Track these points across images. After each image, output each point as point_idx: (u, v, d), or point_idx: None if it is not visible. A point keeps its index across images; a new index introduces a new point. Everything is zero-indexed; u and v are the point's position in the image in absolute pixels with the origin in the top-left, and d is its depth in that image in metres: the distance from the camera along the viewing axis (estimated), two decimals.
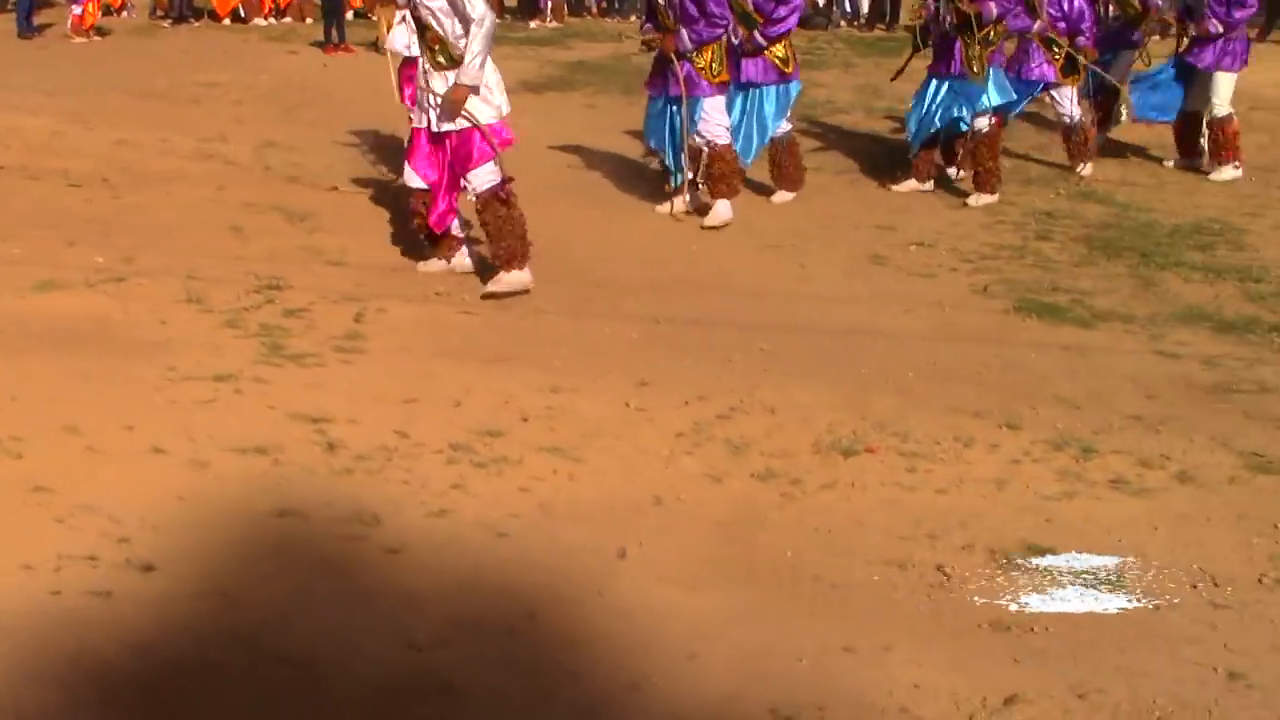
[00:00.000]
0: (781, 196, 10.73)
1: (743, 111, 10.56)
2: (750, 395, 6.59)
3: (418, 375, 6.72)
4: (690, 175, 10.13)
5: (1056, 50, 11.96)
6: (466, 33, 7.90)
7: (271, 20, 21.51)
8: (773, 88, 10.53)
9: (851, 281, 8.79)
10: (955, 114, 10.94)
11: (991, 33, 10.77)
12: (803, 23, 23.04)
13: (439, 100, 8.05)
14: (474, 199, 8.20)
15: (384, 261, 8.78)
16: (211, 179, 10.67)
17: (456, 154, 8.15)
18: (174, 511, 5.11)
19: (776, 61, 10.50)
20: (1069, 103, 12.08)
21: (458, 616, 4.50)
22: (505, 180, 8.14)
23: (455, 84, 7.93)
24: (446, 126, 8.09)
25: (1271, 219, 10.79)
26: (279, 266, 8.47)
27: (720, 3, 9.73)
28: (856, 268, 9.08)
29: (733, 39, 10.31)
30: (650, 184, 10.82)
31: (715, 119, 9.96)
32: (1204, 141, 12.39)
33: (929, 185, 11.33)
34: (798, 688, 4.21)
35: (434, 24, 8.02)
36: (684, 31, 9.71)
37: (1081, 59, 11.85)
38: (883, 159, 12.39)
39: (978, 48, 10.70)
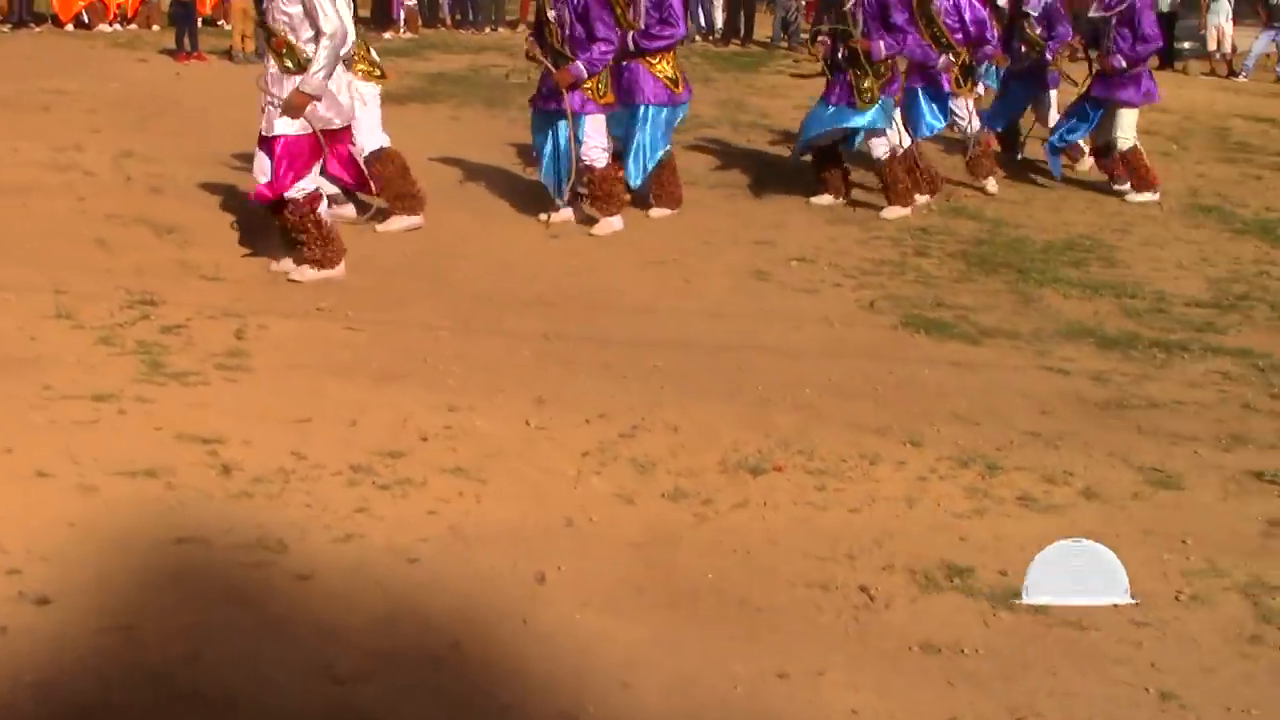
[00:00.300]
0: (659, 213, 10.66)
1: (634, 130, 10.47)
2: (651, 413, 6.48)
3: (308, 393, 6.51)
4: (573, 189, 10.10)
5: (954, 58, 12.10)
6: (316, 41, 8.01)
7: (117, 26, 20.95)
8: (663, 108, 10.47)
9: (737, 297, 8.72)
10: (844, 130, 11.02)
11: (883, 67, 10.74)
12: None
13: (279, 103, 8.15)
14: (289, 202, 8.31)
15: (260, 276, 8.53)
16: (70, 190, 10.30)
17: (282, 158, 8.23)
18: (65, 540, 4.86)
19: (666, 81, 10.44)
20: (965, 114, 12.29)
21: (378, 647, 4.32)
22: (316, 194, 8.42)
23: (297, 89, 8.04)
24: (282, 129, 8.16)
25: (1138, 235, 10.99)
26: (150, 281, 8.20)
27: (609, 25, 9.69)
28: (741, 283, 9.02)
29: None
30: (527, 195, 10.70)
31: (595, 140, 9.91)
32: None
33: (842, 199, 11.40)
34: (735, 716, 4.11)
35: (284, 28, 8.07)
36: (579, 64, 9.66)
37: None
38: (754, 173, 12.40)
39: (870, 79, 10.69)
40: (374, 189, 9.41)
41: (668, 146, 10.70)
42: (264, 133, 8.29)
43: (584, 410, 6.48)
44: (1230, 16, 25.48)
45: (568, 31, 9.73)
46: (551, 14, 9.81)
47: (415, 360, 7.15)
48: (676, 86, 10.53)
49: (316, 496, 5.38)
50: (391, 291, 8.39)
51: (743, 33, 24.26)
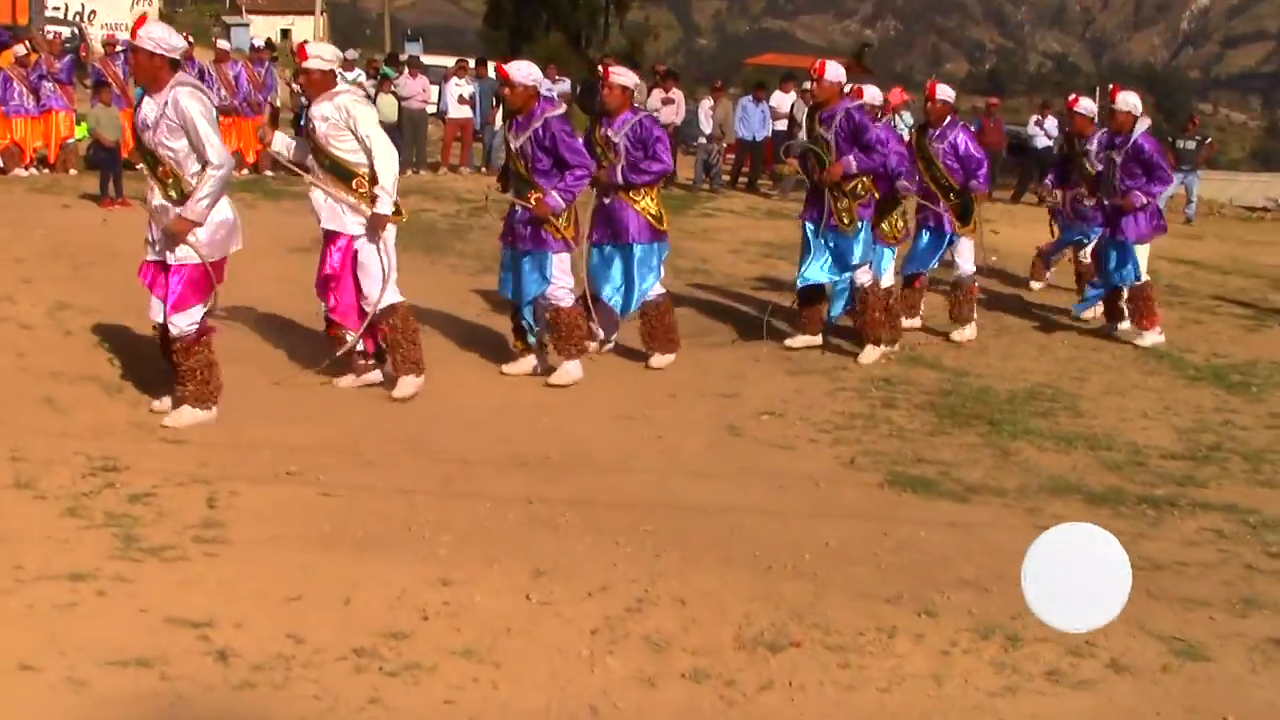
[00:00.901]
0: (660, 360, 10.55)
1: (623, 269, 10.39)
2: (654, 585, 6.23)
3: (295, 568, 6.20)
4: (537, 336, 10.02)
5: (954, 199, 12.25)
6: (203, 172, 8.04)
7: (33, 171, 20.54)
8: (650, 245, 10.41)
9: (715, 454, 8.54)
10: (836, 270, 11.11)
11: (859, 186, 10.86)
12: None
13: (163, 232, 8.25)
14: (175, 339, 8.30)
15: (222, 437, 8.20)
16: (9, 345, 9.95)
17: (171, 289, 8.28)
18: None
19: (650, 219, 10.35)
20: (965, 258, 12.40)
21: None
22: (208, 328, 8.42)
23: (178, 216, 8.08)
24: (169, 258, 8.27)
25: (1097, 384, 10.97)
26: (109, 444, 7.89)
27: (576, 149, 9.58)
28: (715, 439, 8.85)
29: (604, 199, 10.44)
30: (484, 345, 10.50)
31: (562, 280, 9.76)
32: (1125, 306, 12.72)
33: (819, 339, 11.46)
34: None
35: (170, 158, 8.07)
36: (554, 194, 9.53)
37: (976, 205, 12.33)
38: (703, 321, 12.33)
39: (845, 200, 10.82)
40: (377, 344, 9.42)
41: (661, 290, 10.57)
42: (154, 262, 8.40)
43: (585, 582, 6.22)
44: None
45: (530, 164, 9.64)
46: (514, 144, 9.72)
47: (399, 528, 6.88)
48: (660, 223, 10.43)
49: (324, 686, 5.08)
50: (361, 452, 8.12)
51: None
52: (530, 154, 9.62)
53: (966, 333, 12.34)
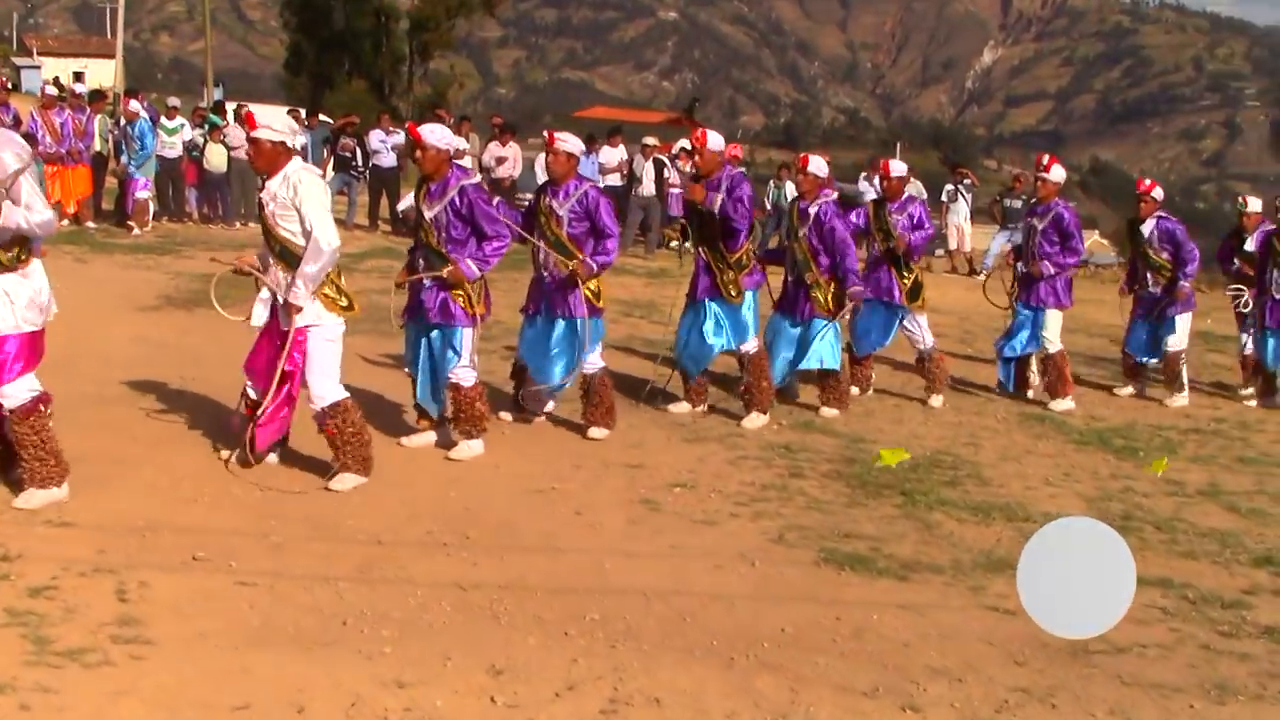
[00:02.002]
0: (598, 432, 10.22)
1: (559, 343, 10.08)
2: (622, 683, 5.88)
3: (234, 672, 5.71)
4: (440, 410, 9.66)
5: (906, 275, 12.28)
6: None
7: None
8: (591, 320, 10.08)
9: (640, 531, 8.19)
10: (719, 341, 10.97)
11: (744, 257, 10.82)
12: None
13: None
14: (10, 414, 7.67)
15: (112, 519, 7.60)
16: None
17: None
18: None
19: (589, 295, 10.04)
20: (921, 330, 12.52)
21: None
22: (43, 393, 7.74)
23: None
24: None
25: (991, 449, 10.91)
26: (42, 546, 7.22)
27: (495, 219, 9.20)
28: (635, 515, 8.49)
29: (544, 270, 10.16)
30: (380, 414, 9.99)
31: (465, 358, 9.38)
32: (1033, 375, 13.08)
33: (703, 408, 11.38)
34: None
35: None
36: (469, 263, 9.22)
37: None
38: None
39: (731, 272, 10.75)
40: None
41: (603, 364, 10.27)
42: None
43: (548, 681, 5.84)
44: (968, 217, 26.59)
45: (444, 233, 9.24)
46: (428, 214, 9.30)
47: (333, 622, 6.40)
48: (598, 300, 10.14)
49: None
50: (267, 534, 7.59)
51: None
52: (445, 223, 9.23)
53: (939, 400, 12.57)
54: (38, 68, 60.22)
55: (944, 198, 26.84)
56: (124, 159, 21.24)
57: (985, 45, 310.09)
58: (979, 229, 27.86)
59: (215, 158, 23.04)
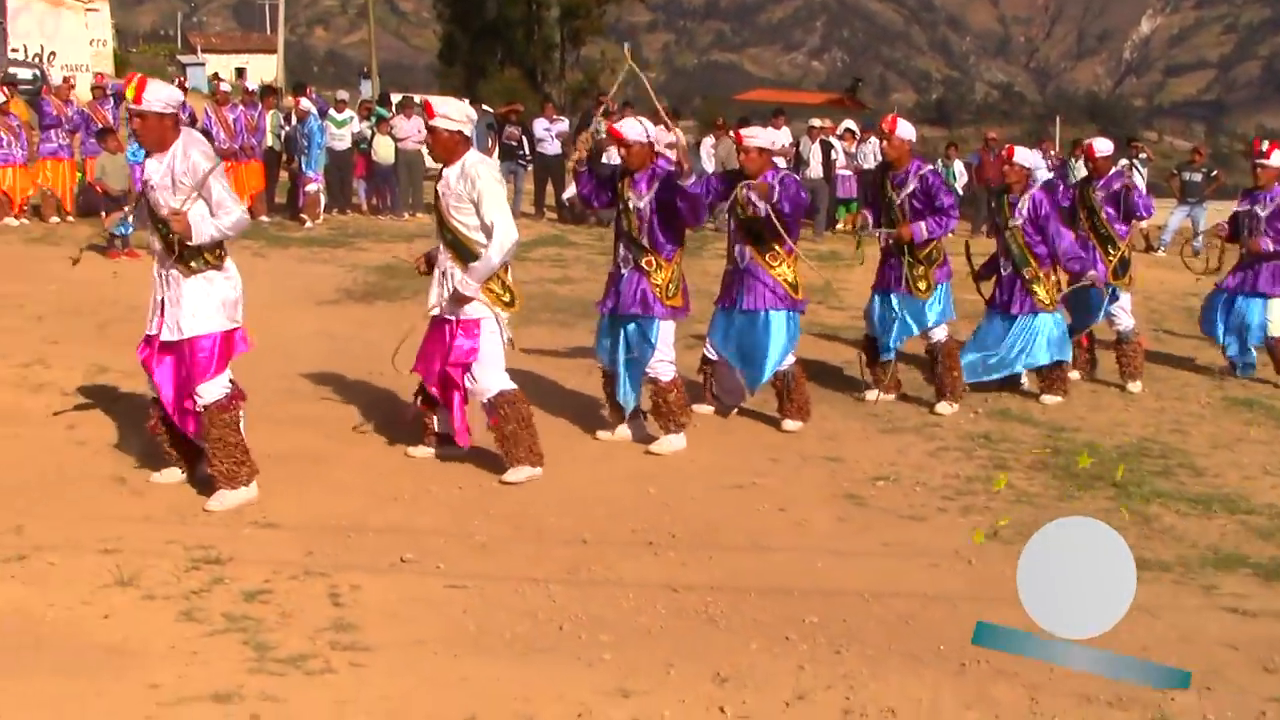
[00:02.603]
0: (792, 425, 9.96)
1: (756, 337, 9.79)
2: (853, 692, 5.65)
3: (455, 681, 5.61)
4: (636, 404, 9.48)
5: (1112, 252, 11.89)
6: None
7: (24, 220, 19.74)
8: (783, 313, 9.79)
9: (848, 529, 7.94)
10: (903, 332, 10.77)
11: (933, 251, 10.57)
12: (582, 218, 22.84)
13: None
14: (204, 411, 7.67)
15: (315, 519, 7.55)
16: (58, 418, 9.28)
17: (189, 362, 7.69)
18: None
19: (786, 286, 9.80)
20: (1124, 310, 12.12)
21: None
22: (237, 390, 7.84)
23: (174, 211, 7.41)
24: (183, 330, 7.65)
25: (1199, 436, 10.47)
26: (200, 531, 7.26)
27: (694, 198, 8.97)
28: (841, 511, 8.25)
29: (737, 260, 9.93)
30: (576, 410, 9.89)
31: (665, 350, 9.21)
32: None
33: (893, 396, 11.14)
34: None
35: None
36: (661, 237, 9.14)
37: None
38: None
39: (921, 267, 10.56)
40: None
41: (792, 356, 10.01)
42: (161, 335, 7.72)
43: (777, 690, 5.64)
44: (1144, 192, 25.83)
45: (648, 223, 9.11)
46: (635, 204, 9.12)
47: (548, 627, 6.26)
48: (796, 292, 9.84)
49: None
50: (471, 535, 7.49)
51: None
52: (649, 214, 9.08)
53: (1136, 386, 12.10)
54: (202, 65, 61.29)
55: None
56: (296, 155, 21.45)
57: (1143, 14, 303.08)
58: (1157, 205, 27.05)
59: (383, 149, 23.15)
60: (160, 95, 7.50)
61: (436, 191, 8.48)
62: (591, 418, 9.88)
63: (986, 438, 10.04)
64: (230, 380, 7.76)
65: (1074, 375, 11.99)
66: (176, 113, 7.61)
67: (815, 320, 14.66)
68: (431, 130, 8.42)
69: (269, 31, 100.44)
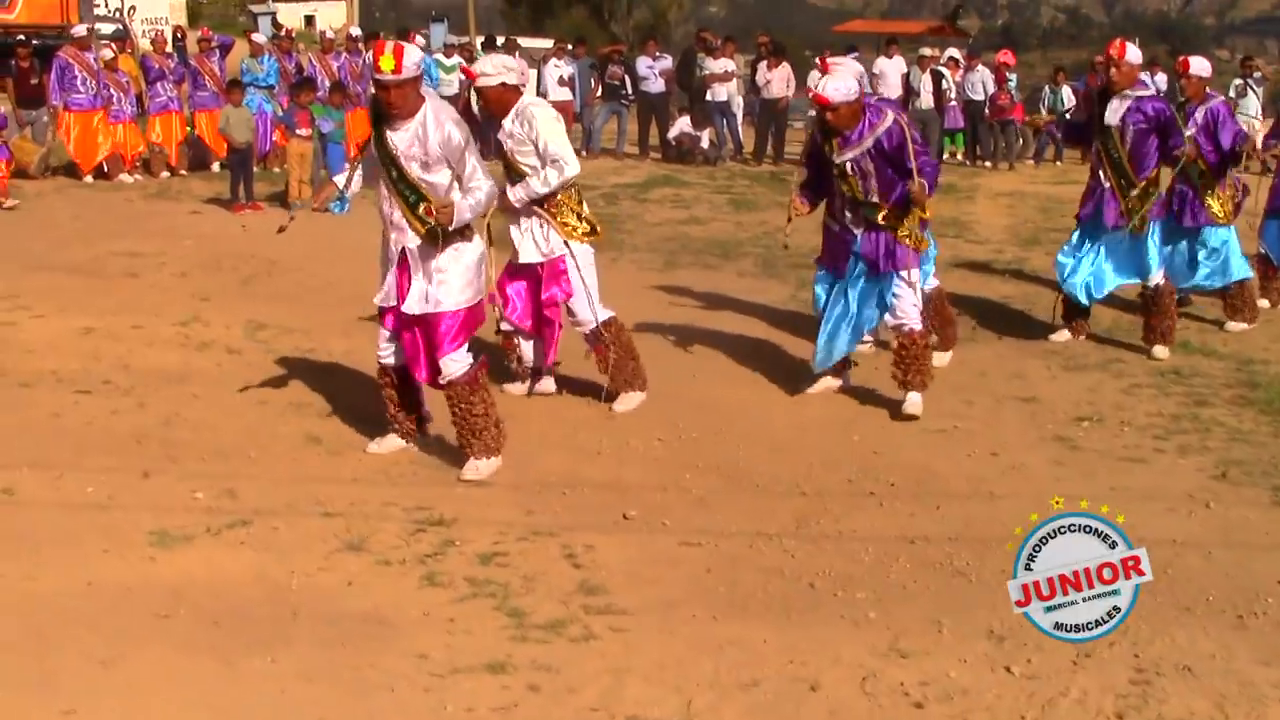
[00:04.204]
0: (941, 358, 9.64)
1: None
2: (1139, 648, 5.42)
3: (724, 645, 5.42)
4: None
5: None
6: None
7: (137, 176, 19.61)
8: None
9: (1069, 473, 7.65)
10: (1117, 280, 10.31)
11: (1150, 185, 10.00)
12: (688, 157, 22.49)
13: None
14: (450, 384, 7.39)
15: (528, 476, 7.38)
16: (228, 376, 9.20)
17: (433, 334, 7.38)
18: None
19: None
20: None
21: None
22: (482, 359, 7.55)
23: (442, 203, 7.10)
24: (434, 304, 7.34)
25: None
26: (412, 490, 7.11)
27: (917, 153, 8.29)
28: (1056, 454, 7.97)
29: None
30: (751, 355, 9.69)
31: (909, 297, 8.64)
32: None
33: (1083, 337, 10.61)
34: None
35: (430, 190, 7.19)
36: (922, 182, 8.22)
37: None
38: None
39: (1137, 200, 9.95)
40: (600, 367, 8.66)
41: (936, 282, 9.82)
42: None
43: (1059, 648, 5.33)
44: (1259, 112, 25.20)
45: (872, 181, 8.43)
46: (850, 166, 8.43)
47: (798, 585, 6.06)
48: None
49: None
50: (687, 490, 7.28)
51: (774, 153, 23.40)
52: (871, 170, 8.38)
53: (1238, 325, 11.33)
54: (273, 13, 61.02)
55: (1232, 93, 25.47)
56: None
57: None
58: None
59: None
60: (415, 59, 7.04)
61: (498, 141, 8.45)
62: (775, 364, 9.61)
63: (1177, 373, 9.72)
64: (471, 351, 7.44)
65: (1264, 304, 11.59)
66: (421, 75, 7.15)
67: (956, 254, 14.35)
68: (480, 91, 8.52)
69: None
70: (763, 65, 23.62)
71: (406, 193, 7.13)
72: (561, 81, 23.49)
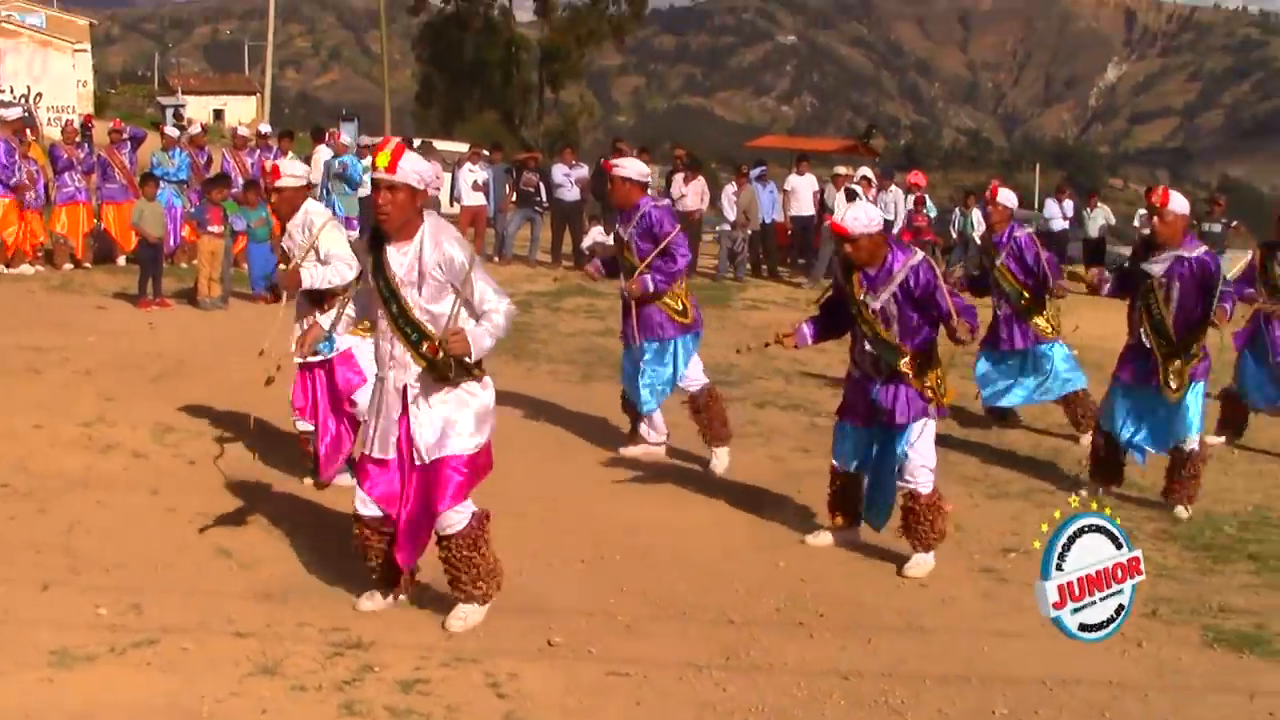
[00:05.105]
0: (720, 457, 10.01)
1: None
2: None
3: None
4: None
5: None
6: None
7: (39, 267, 19.10)
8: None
9: (1000, 607, 7.47)
10: (1158, 443, 9.57)
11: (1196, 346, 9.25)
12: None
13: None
14: (449, 540, 6.69)
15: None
16: (136, 482, 8.97)
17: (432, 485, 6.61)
18: None
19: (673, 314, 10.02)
20: None
21: None
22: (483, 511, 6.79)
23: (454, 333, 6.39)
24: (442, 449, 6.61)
25: None
26: (324, 608, 6.84)
27: (950, 293, 7.79)
28: (984, 587, 7.85)
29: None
30: (693, 479, 9.48)
31: (919, 458, 8.00)
32: None
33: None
34: None
35: (428, 323, 6.51)
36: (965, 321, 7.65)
37: None
38: None
39: (1179, 362, 9.21)
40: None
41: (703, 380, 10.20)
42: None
43: None
44: None
45: (897, 325, 7.88)
46: (873, 305, 7.88)
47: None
48: (685, 317, 10.22)
49: None
50: (613, 615, 7.07)
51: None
52: (896, 313, 7.83)
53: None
54: (183, 105, 60.73)
55: (1137, 222, 26.04)
56: (329, 200, 20.97)
57: (1109, 62, 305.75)
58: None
59: None
60: (418, 168, 6.38)
61: (284, 248, 8.91)
62: (699, 483, 9.48)
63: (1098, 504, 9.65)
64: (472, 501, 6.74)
65: (1219, 440, 11.50)
66: (426, 190, 6.45)
67: None
68: (279, 190, 8.77)
69: (246, 73, 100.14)
70: (678, 177, 23.70)
71: (408, 329, 6.43)
72: (476, 186, 23.39)
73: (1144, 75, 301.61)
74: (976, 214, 24.94)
